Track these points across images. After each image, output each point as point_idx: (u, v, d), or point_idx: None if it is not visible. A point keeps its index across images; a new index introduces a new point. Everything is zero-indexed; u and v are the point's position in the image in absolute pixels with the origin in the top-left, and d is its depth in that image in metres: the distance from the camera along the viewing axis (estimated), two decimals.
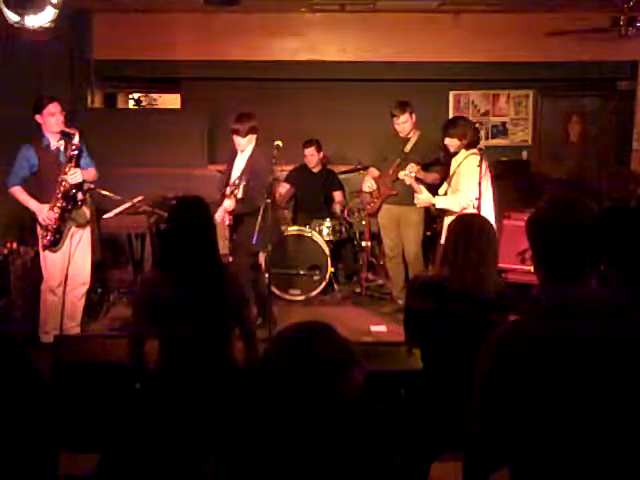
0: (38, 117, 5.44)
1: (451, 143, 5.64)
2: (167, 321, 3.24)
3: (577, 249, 1.95)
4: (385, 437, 1.79)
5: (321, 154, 7.62)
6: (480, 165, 5.29)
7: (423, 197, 5.66)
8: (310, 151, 7.54)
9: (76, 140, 5.41)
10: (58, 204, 5.40)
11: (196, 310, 3.18)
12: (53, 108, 5.41)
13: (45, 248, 5.45)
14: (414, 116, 6.38)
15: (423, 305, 3.28)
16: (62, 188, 5.39)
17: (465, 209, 5.33)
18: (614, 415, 1.85)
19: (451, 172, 5.66)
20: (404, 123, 6.34)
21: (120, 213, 5.80)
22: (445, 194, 5.68)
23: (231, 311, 3.29)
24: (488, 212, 5.24)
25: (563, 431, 1.85)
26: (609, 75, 8.89)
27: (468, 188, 5.35)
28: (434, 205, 5.59)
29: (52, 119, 5.41)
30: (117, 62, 8.78)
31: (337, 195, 7.75)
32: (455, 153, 5.67)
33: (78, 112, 8.04)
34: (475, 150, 5.53)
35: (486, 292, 3.18)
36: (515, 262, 5.72)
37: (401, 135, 6.41)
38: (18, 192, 5.47)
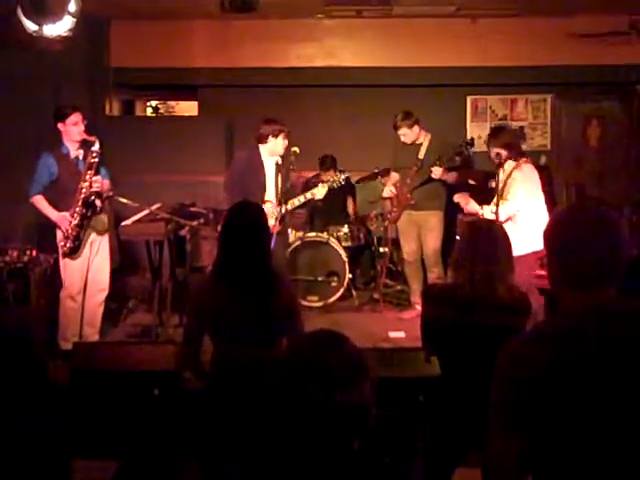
0: (60, 125, 5.49)
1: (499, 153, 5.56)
2: (219, 326, 3.26)
3: (595, 256, 1.92)
4: (397, 445, 1.78)
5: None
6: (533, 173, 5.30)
7: (471, 206, 5.58)
8: (331, 174, 7.40)
9: (96, 147, 5.45)
10: (77, 211, 5.43)
11: (247, 318, 3.18)
12: (76, 117, 5.47)
13: (65, 255, 5.48)
14: (416, 128, 6.40)
15: (438, 313, 3.28)
16: (82, 195, 5.42)
17: (510, 219, 5.28)
18: None
19: (500, 183, 5.56)
20: (403, 135, 6.45)
21: (138, 220, 5.81)
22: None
23: (281, 321, 3.26)
24: (534, 221, 5.14)
25: (588, 437, 1.83)
26: (628, 78, 8.82)
27: (518, 197, 5.31)
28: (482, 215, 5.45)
29: (75, 128, 5.47)
30: (135, 70, 8.82)
31: (349, 203, 7.77)
32: (500, 164, 5.58)
33: (96, 120, 8.08)
34: (525, 159, 5.48)
35: (498, 297, 3.16)
36: None
37: (407, 142, 6.46)
38: (39, 202, 5.51)
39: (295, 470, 1.64)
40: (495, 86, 8.99)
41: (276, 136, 5.86)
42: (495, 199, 5.53)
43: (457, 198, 5.67)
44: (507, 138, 5.50)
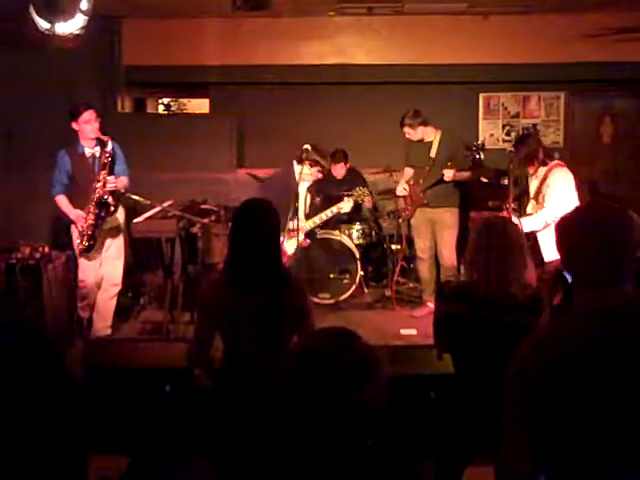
0: (74, 124, 5.53)
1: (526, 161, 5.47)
2: (229, 325, 3.25)
3: (608, 254, 1.92)
4: (409, 443, 1.77)
5: (348, 164, 7.62)
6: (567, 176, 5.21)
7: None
8: (340, 166, 7.51)
9: (109, 147, 5.49)
10: (92, 210, 5.48)
11: (256, 316, 3.17)
12: (89, 115, 5.51)
13: (81, 254, 5.55)
14: (420, 129, 6.37)
15: (451, 310, 3.26)
16: (96, 195, 5.47)
17: (549, 225, 5.22)
18: None
19: (534, 188, 5.46)
20: (407, 134, 6.44)
21: (150, 217, 5.83)
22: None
23: (292, 320, 3.24)
24: None
25: (601, 435, 1.82)
26: None
27: (554, 203, 5.19)
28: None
29: (88, 126, 5.51)
30: (146, 68, 8.85)
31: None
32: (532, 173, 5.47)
33: (108, 117, 8.10)
34: (556, 161, 5.40)
35: (512, 295, 3.15)
36: None
37: (412, 140, 6.45)
38: (61, 201, 5.59)
39: (307, 467, 1.64)
40: (507, 83, 8.97)
41: (312, 166, 5.94)
42: (530, 207, 5.45)
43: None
44: (530, 147, 5.42)
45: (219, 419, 3.26)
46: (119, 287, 5.89)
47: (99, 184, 5.47)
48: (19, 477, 1.59)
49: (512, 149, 5.87)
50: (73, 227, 5.61)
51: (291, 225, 5.86)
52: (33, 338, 1.71)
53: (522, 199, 6.27)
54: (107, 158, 5.50)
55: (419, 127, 6.38)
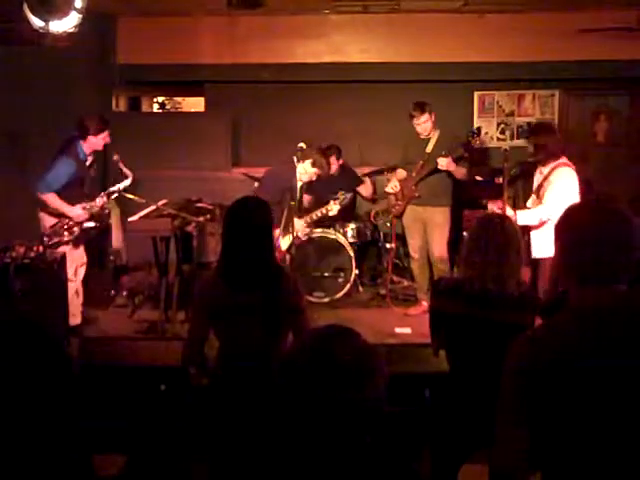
0: (92, 138, 5.70)
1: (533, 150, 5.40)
2: (224, 323, 3.25)
3: (607, 252, 1.92)
4: (406, 441, 1.78)
5: (341, 160, 7.59)
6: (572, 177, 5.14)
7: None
8: (331, 160, 7.51)
9: (129, 181, 5.79)
10: (85, 222, 5.75)
11: (250, 314, 3.16)
12: (107, 132, 5.77)
13: (46, 248, 5.67)
14: (433, 115, 6.35)
15: (447, 307, 3.27)
16: (89, 215, 5.74)
17: (545, 223, 5.19)
18: None
19: (536, 183, 5.45)
20: (424, 123, 6.33)
21: (145, 216, 5.84)
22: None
23: (286, 318, 3.24)
24: None
25: (596, 433, 1.82)
26: (636, 74, 8.77)
27: (552, 201, 5.13)
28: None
29: (102, 142, 5.78)
30: (141, 66, 8.83)
31: (362, 189, 7.76)
32: (537, 163, 5.45)
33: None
34: (564, 160, 5.33)
35: (507, 293, 3.16)
36: None
37: (422, 136, 6.38)
38: (54, 198, 5.67)
39: (305, 465, 1.63)
40: (502, 81, 8.97)
41: (313, 165, 5.97)
42: (530, 201, 5.42)
43: (491, 205, 5.54)
44: (543, 138, 5.36)
45: (215, 418, 3.26)
46: (85, 265, 6.06)
47: (96, 209, 5.76)
48: (26, 474, 1.59)
49: (508, 146, 5.86)
50: (47, 218, 5.73)
51: (286, 222, 5.86)
52: (40, 333, 1.71)
53: (516, 198, 6.29)
54: (121, 191, 5.80)
55: (433, 114, 6.32)
